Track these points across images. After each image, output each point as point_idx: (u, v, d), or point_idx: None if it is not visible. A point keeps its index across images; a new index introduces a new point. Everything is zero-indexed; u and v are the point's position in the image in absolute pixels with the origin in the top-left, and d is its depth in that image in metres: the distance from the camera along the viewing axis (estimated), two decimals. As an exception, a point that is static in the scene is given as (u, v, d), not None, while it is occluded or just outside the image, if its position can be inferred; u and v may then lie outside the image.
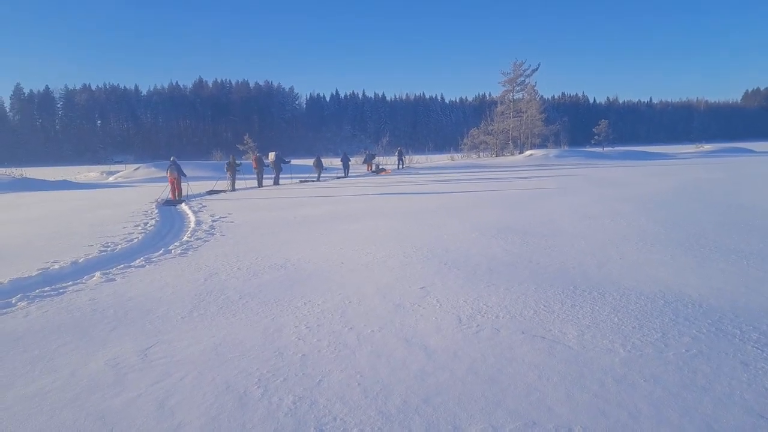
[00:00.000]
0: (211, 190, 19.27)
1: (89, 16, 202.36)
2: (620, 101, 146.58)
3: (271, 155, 23.20)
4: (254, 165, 22.08)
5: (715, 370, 3.15)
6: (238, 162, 21.09)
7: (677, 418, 2.64)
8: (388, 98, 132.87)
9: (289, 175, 24.93)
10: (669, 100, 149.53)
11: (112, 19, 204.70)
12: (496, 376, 3.17)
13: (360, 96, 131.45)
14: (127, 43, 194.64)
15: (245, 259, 6.86)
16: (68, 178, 32.38)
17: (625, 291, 4.84)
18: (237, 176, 20.73)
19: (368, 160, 32.44)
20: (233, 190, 19.95)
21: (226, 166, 20.96)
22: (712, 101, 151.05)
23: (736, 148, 48.91)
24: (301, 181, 24.18)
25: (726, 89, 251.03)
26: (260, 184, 21.61)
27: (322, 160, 26.98)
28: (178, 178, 16.54)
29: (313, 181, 24.50)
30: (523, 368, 3.27)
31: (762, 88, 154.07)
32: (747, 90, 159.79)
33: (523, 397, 2.91)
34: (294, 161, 26.76)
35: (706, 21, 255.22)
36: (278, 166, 22.75)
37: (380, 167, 31.94)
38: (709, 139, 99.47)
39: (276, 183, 22.46)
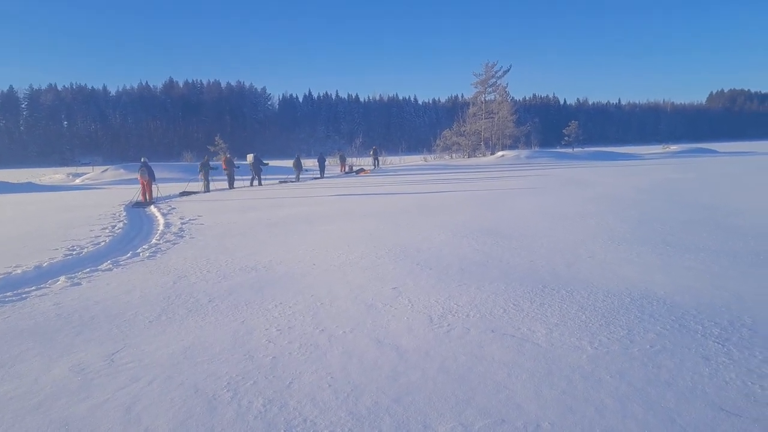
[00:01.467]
0: (184, 192, 18.95)
1: (55, 17, 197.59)
2: (590, 102, 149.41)
3: (250, 157, 23.10)
4: (224, 167, 21.87)
5: (678, 365, 3.23)
6: (213, 166, 20.88)
7: (642, 412, 2.70)
8: (361, 99, 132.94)
9: (264, 177, 24.73)
10: (637, 102, 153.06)
11: (80, 20, 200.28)
12: (466, 375, 3.20)
13: (333, 97, 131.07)
14: (96, 43, 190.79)
15: (215, 262, 6.77)
16: (33, 180, 31.55)
17: (593, 289, 4.93)
18: (210, 177, 20.49)
19: (341, 161, 32.33)
20: (207, 191, 19.70)
21: (199, 167, 20.71)
22: (678, 103, 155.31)
23: (701, 148, 50.17)
24: (281, 182, 24.14)
25: (691, 91, 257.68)
26: (231, 186, 21.41)
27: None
28: (149, 180, 16.28)
29: (292, 181, 24.43)
30: (493, 366, 3.31)
31: (726, 90, 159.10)
32: (711, 92, 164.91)
33: (492, 394, 2.94)
34: (271, 163, 26.60)
35: (672, 24, 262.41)
36: (257, 168, 22.65)
37: (358, 168, 31.93)
38: (675, 139, 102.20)
39: (259, 184, 22.52)
